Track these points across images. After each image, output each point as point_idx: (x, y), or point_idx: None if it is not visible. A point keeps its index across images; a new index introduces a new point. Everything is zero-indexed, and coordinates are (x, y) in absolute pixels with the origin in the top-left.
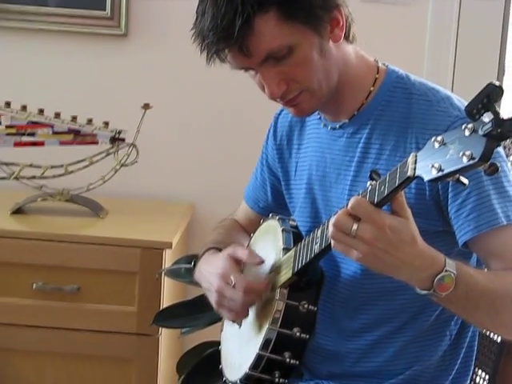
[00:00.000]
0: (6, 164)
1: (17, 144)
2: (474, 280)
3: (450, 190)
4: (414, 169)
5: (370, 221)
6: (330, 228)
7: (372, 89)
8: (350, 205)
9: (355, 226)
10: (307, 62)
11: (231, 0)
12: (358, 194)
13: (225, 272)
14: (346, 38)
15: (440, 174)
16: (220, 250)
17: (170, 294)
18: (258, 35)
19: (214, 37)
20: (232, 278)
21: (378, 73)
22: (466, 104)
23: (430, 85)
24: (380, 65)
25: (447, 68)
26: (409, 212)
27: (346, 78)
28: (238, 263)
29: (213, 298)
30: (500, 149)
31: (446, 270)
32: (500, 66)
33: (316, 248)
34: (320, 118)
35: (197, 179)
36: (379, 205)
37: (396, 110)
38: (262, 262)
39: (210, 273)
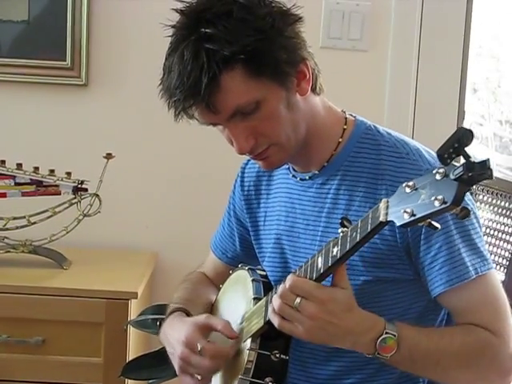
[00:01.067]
0: None
1: None
2: (415, 341)
3: (421, 243)
4: (386, 214)
5: (311, 297)
6: (275, 301)
7: (341, 140)
8: (287, 285)
9: (298, 300)
10: (275, 117)
11: (197, 57)
12: (300, 267)
13: (189, 339)
14: (313, 89)
15: (412, 218)
16: (186, 311)
17: (135, 344)
18: (224, 92)
19: (180, 94)
20: (199, 345)
21: (346, 124)
22: (434, 156)
23: (398, 136)
24: (347, 116)
25: (407, 113)
26: (348, 283)
27: (315, 129)
28: (205, 332)
29: (176, 365)
30: (469, 195)
31: (386, 332)
32: (460, 109)
33: None
34: (288, 168)
35: (160, 228)
36: (319, 279)
37: (365, 162)
38: (237, 337)
39: (173, 338)
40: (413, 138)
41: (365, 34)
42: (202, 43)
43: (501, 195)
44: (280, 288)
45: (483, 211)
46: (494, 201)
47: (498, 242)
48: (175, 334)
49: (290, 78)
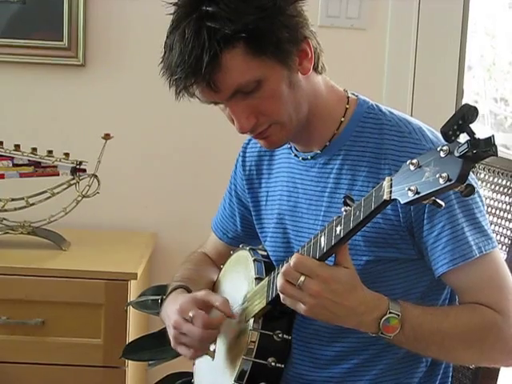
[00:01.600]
0: None
1: None
2: (419, 320)
3: (424, 222)
4: (390, 192)
5: (314, 276)
6: (279, 279)
7: (343, 119)
8: (291, 263)
9: (302, 278)
10: (276, 96)
11: (198, 36)
12: (303, 247)
13: (183, 308)
14: (315, 69)
15: (416, 196)
16: (187, 288)
17: (135, 325)
18: (225, 71)
19: (181, 73)
20: (190, 313)
21: (348, 103)
22: (437, 135)
23: (400, 115)
24: (350, 95)
25: (406, 91)
26: (351, 262)
27: (317, 109)
28: (204, 306)
29: (170, 335)
30: (472, 175)
31: (389, 312)
32: (458, 88)
33: None
34: (290, 147)
35: (158, 209)
36: (322, 258)
37: (368, 141)
38: (234, 316)
39: (171, 310)
40: (411, 116)
41: (363, 12)
42: (203, 21)
43: (502, 174)
44: (284, 266)
45: (484, 190)
46: (496, 179)
47: (499, 221)
48: (173, 307)
49: (292, 57)
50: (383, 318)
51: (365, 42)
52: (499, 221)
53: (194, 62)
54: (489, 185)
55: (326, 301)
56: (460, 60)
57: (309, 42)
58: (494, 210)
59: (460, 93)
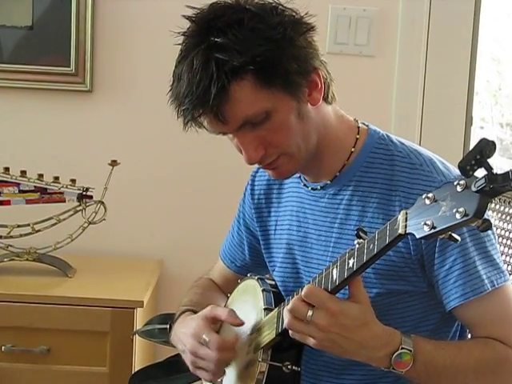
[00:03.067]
0: None
1: None
2: (432, 355)
3: (436, 256)
4: (405, 226)
5: (324, 308)
6: (286, 314)
7: (353, 150)
8: (303, 293)
9: (310, 313)
10: (285, 127)
11: (206, 67)
12: (315, 278)
13: (197, 331)
14: (325, 99)
15: (432, 231)
16: (196, 312)
17: (141, 353)
18: (233, 102)
19: (189, 103)
20: (204, 336)
21: (358, 133)
22: (449, 166)
23: (411, 146)
24: (360, 125)
25: (415, 119)
26: (365, 295)
27: (326, 139)
28: (212, 323)
29: (188, 360)
30: None
31: (402, 348)
32: (467, 115)
33: None
34: (300, 177)
35: (165, 236)
36: (334, 291)
37: (378, 172)
38: (242, 323)
39: (184, 334)
40: (420, 144)
41: (372, 39)
42: (212, 52)
43: (510, 202)
44: (291, 302)
45: (492, 218)
46: (504, 208)
47: (506, 250)
48: (186, 330)
49: (301, 88)
50: (395, 354)
51: (373, 68)
52: (505, 249)
53: (201, 93)
54: (495, 213)
55: (334, 335)
56: (469, 87)
57: (319, 73)
58: (500, 239)
59: (469, 120)
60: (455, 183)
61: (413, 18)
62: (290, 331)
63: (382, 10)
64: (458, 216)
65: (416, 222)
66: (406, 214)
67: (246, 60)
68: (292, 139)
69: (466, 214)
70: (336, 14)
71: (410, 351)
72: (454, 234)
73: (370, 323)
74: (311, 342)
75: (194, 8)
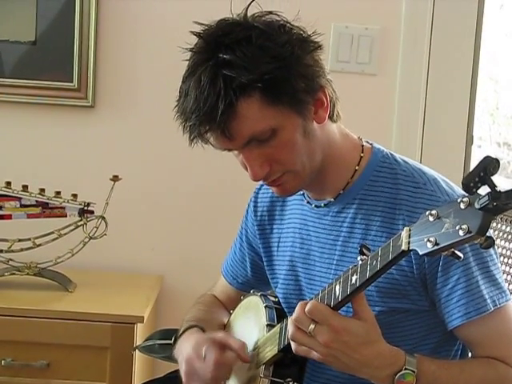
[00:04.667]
0: None
1: None
2: (435, 376)
3: (438, 275)
4: (409, 242)
5: (326, 324)
6: (290, 325)
7: (357, 168)
8: (306, 308)
9: (312, 326)
10: (290, 145)
11: (214, 83)
12: (318, 294)
13: (198, 344)
14: (330, 117)
15: (436, 247)
16: (203, 328)
17: (140, 369)
18: (241, 119)
19: (196, 119)
20: (203, 349)
21: (362, 152)
22: (452, 186)
23: (415, 165)
24: (364, 143)
25: (416, 137)
26: (369, 313)
27: (331, 157)
28: (220, 348)
29: (183, 371)
30: None
31: (405, 368)
32: (468, 135)
33: None
34: (303, 194)
35: (165, 251)
36: (337, 307)
37: (382, 190)
38: (249, 361)
39: (185, 346)
40: (420, 162)
41: (373, 57)
42: (219, 69)
43: (510, 221)
44: (295, 313)
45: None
46: (504, 227)
47: (507, 269)
48: (187, 344)
49: (308, 107)
50: (398, 374)
51: (375, 87)
52: (507, 268)
53: (208, 110)
54: (497, 232)
55: (336, 351)
56: (470, 106)
57: (325, 91)
58: (504, 259)
59: (469, 139)
60: (459, 200)
61: (415, 36)
62: (292, 345)
63: (383, 28)
64: (461, 233)
65: (419, 239)
66: (410, 230)
67: (253, 77)
68: (297, 157)
69: (469, 231)
70: (338, 32)
71: (414, 372)
72: (456, 251)
73: (373, 342)
74: (314, 355)
75: (202, 24)
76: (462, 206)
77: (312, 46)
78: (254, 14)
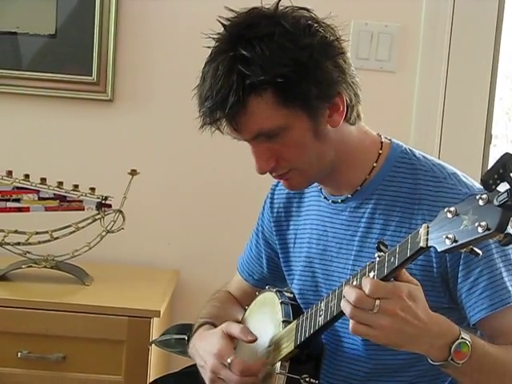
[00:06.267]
0: None
1: (2, 210)
2: (485, 351)
3: (460, 268)
4: (427, 239)
5: (390, 295)
6: (347, 307)
7: (375, 164)
8: (368, 291)
9: (378, 302)
10: (299, 145)
11: (229, 76)
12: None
13: (220, 352)
14: (348, 120)
15: (454, 244)
16: (215, 325)
17: (156, 363)
18: (249, 114)
19: (208, 106)
20: (228, 359)
21: (381, 148)
22: (472, 180)
23: (435, 160)
24: (383, 139)
25: (434, 135)
26: (416, 280)
27: (345, 156)
28: (232, 340)
29: (207, 377)
30: None
31: (461, 338)
32: (487, 133)
33: (320, 320)
34: (320, 189)
35: (182, 246)
36: (387, 279)
37: (401, 186)
38: (254, 340)
39: (205, 350)
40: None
41: (393, 55)
42: (236, 63)
43: None
44: (355, 294)
45: None
46: None
47: None
48: (207, 347)
49: (321, 111)
50: (455, 343)
51: (394, 84)
52: None
53: (219, 100)
54: None
55: (401, 321)
56: (489, 105)
57: (342, 97)
58: None
59: (488, 137)
60: (477, 197)
61: (434, 34)
62: (351, 324)
63: (403, 25)
64: (479, 230)
65: (437, 236)
66: (428, 227)
67: (266, 78)
68: (305, 157)
69: (487, 228)
70: (358, 29)
71: (469, 342)
72: (475, 248)
73: (428, 307)
74: (374, 333)
75: (233, 11)
76: (481, 202)
77: (334, 51)
78: (284, 8)
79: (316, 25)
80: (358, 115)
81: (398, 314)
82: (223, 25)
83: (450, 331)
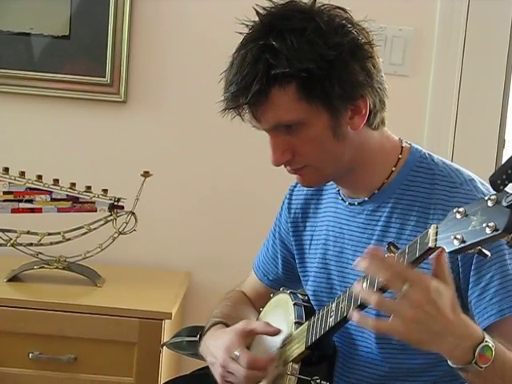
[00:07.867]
0: (3, 231)
1: (14, 210)
2: (507, 356)
3: (471, 273)
4: (435, 240)
5: (416, 281)
6: (373, 297)
7: (394, 169)
8: (397, 268)
9: (406, 286)
10: (316, 142)
11: (255, 64)
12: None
13: (229, 346)
14: (370, 125)
15: (462, 245)
16: (227, 324)
17: (167, 365)
18: (270, 105)
19: (232, 92)
20: (236, 352)
21: (401, 153)
22: (488, 187)
23: (453, 166)
24: (404, 144)
25: (447, 139)
26: (450, 277)
27: (364, 159)
28: (245, 338)
29: (217, 373)
30: None
31: (486, 341)
32: (500, 138)
33: (331, 321)
34: (338, 191)
35: (193, 248)
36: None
37: (418, 190)
38: (279, 331)
39: (216, 347)
40: None
41: (407, 59)
42: (264, 52)
43: None
44: (383, 274)
45: None
46: None
47: None
48: (217, 343)
49: (342, 111)
50: (480, 346)
51: (407, 88)
52: None
53: (243, 87)
54: None
55: (425, 315)
56: (502, 109)
57: (366, 101)
58: None
59: (501, 142)
60: (486, 198)
61: (448, 38)
62: (371, 323)
63: (417, 29)
64: (487, 231)
65: (446, 236)
66: (437, 227)
67: (291, 72)
68: (321, 155)
69: (496, 229)
70: (372, 32)
71: (493, 346)
72: (483, 250)
73: (457, 307)
74: (397, 326)
75: (271, 0)
76: (490, 203)
77: (365, 54)
78: (322, 5)
79: (350, 26)
80: (382, 121)
81: (423, 307)
82: (258, 13)
83: (476, 334)
